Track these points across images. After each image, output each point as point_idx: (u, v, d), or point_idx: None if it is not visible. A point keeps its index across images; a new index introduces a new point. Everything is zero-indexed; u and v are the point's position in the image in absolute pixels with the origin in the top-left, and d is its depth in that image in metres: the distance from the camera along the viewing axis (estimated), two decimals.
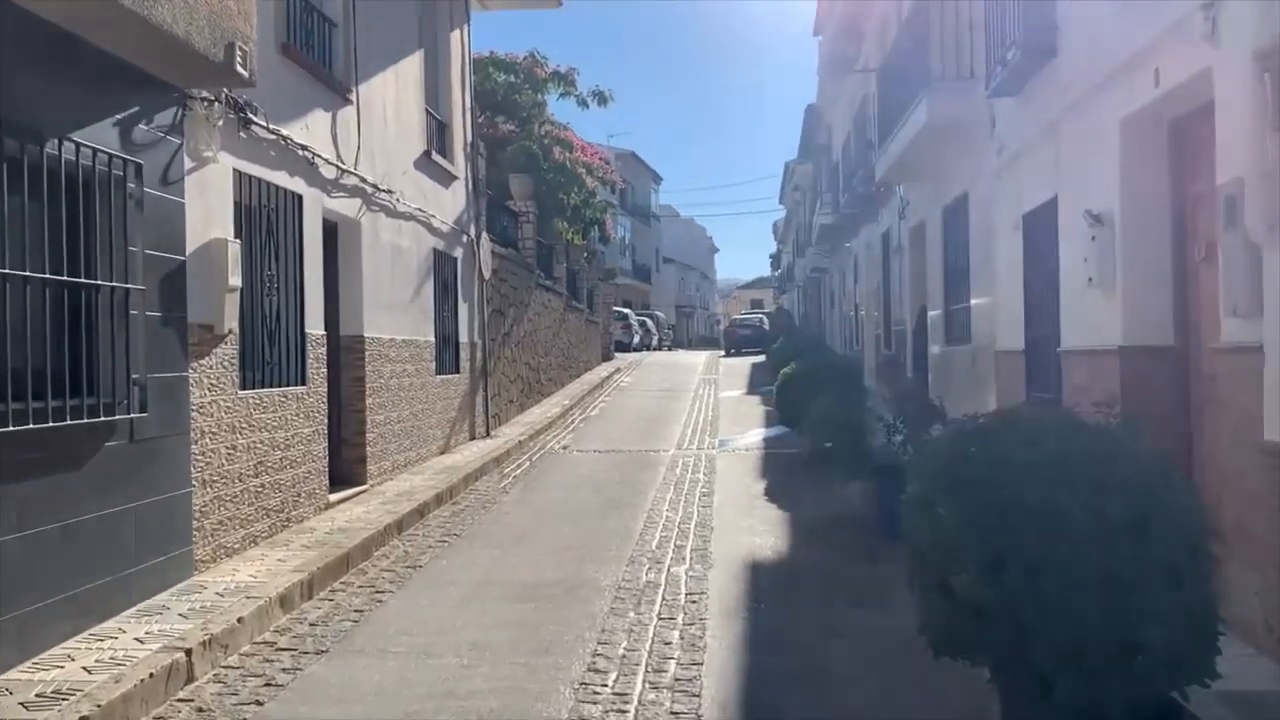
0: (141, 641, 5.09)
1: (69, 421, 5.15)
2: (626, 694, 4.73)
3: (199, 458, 6.54)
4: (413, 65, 11.57)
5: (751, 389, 22.22)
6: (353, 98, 9.49)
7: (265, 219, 7.74)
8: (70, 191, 5.23)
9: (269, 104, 7.51)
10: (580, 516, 9.15)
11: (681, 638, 5.56)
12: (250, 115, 7.25)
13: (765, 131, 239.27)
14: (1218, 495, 5.08)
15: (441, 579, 7.01)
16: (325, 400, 8.80)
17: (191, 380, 6.46)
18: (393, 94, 10.76)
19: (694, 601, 6.28)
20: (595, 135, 39.20)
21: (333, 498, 8.91)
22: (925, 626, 3.62)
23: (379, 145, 10.24)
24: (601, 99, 22.07)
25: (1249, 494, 4.72)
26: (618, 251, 44.30)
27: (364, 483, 9.76)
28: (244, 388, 7.26)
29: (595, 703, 4.62)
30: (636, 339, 38.00)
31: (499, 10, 16.24)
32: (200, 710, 4.65)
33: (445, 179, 12.83)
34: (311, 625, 5.92)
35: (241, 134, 7.22)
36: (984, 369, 10.23)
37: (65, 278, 5.18)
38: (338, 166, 9.09)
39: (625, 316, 37.83)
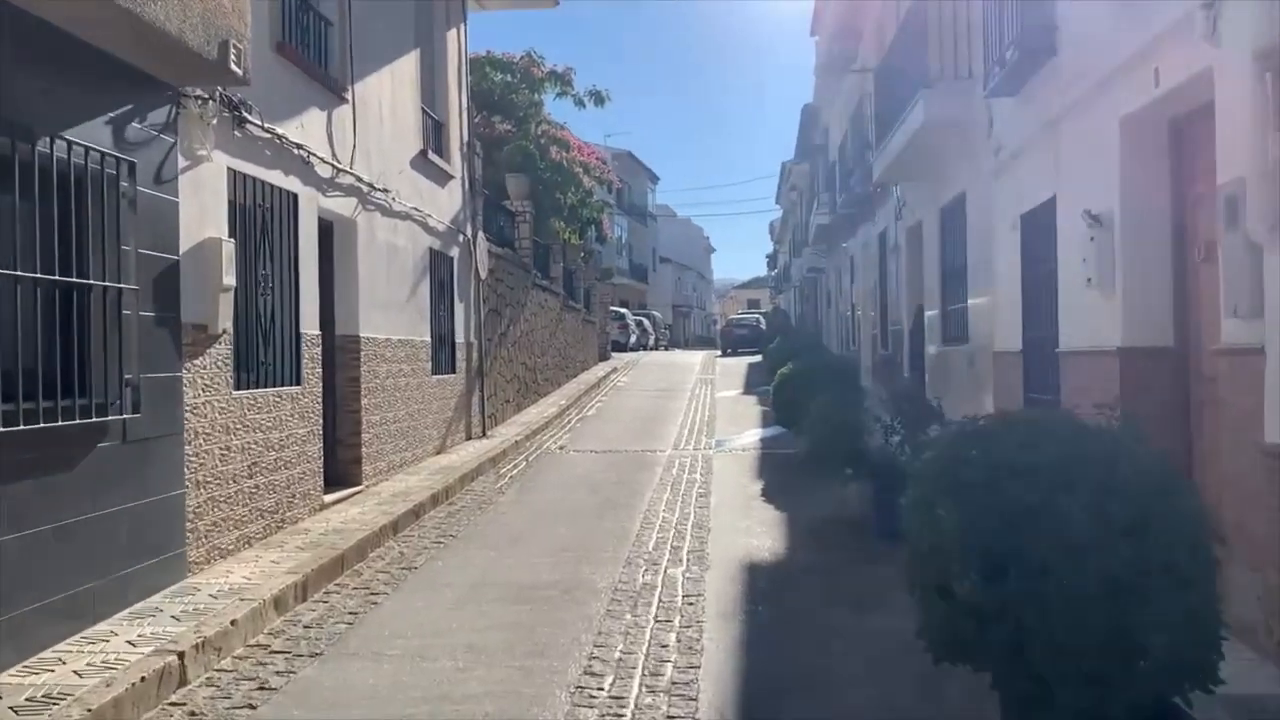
0: (134, 644, 5.05)
1: (61, 422, 5.10)
2: (623, 698, 4.69)
3: (192, 458, 6.49)
4: (409, 64, 11.52)
5: (748, 389, 22.19)
6: (348, 96, 9.44)
7: (260, 218, 7.69)
8: (63, 190, 5.18)
9: (264, 102, 7.47)
10: (577, 517, 9.11)
11: (678, 640, 5.52)
12: (245, 114, 7.21)
13: (762, 132, 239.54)
14: (1217, 497, 5.06)
15: (437, 581, 6.97)
16: (320, 400, 8.76)
17: (185, 380, 6.42)
18: (389, 93, 10.71)
19: (691, 604, 6.24)
20: (592, 135, 39.21)
21: (328, 498, 8.87)
22: (925, 630, 3.59)
23: (375, 144, 10.19)
24: (598, 99, 22.01)
25: (1250, 496, 4.69)
26: (614, 251, 44.25)
27: (359, 483, 9.72)
28: (238, 388, 7.22)
29: (591, 707, 4.58)
30: (633, 339, 37.96)
31: (496, 10, 16.18)
32: (192, 714, 4.61)
33: (441, 178, 12.78)
34: (306, 628, 5.88)
35: (236, 132, 7.18)
36: (982, 369, 10.21)
37: (57, 277, 5.14)
38: (333, 165, 9.05)
39: (622, 316, 37.77)
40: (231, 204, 7.14)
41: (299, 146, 8.24)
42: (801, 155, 34.24)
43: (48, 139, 5.04)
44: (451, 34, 13.59)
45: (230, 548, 6.97)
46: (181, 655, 4.93)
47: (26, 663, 4.76)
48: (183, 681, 4.89)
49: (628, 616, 5.97)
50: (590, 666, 5.10)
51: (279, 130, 7.84)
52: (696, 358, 33.18)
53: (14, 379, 4.77)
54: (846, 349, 24.61)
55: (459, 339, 13.47)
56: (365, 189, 9.89)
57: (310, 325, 8.54)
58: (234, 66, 6.12)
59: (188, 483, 6.42)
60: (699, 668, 5.08)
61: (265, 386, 7.69)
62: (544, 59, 21.27)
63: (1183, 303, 6.14)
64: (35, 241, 4.96)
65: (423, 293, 11.90)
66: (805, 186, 34.72)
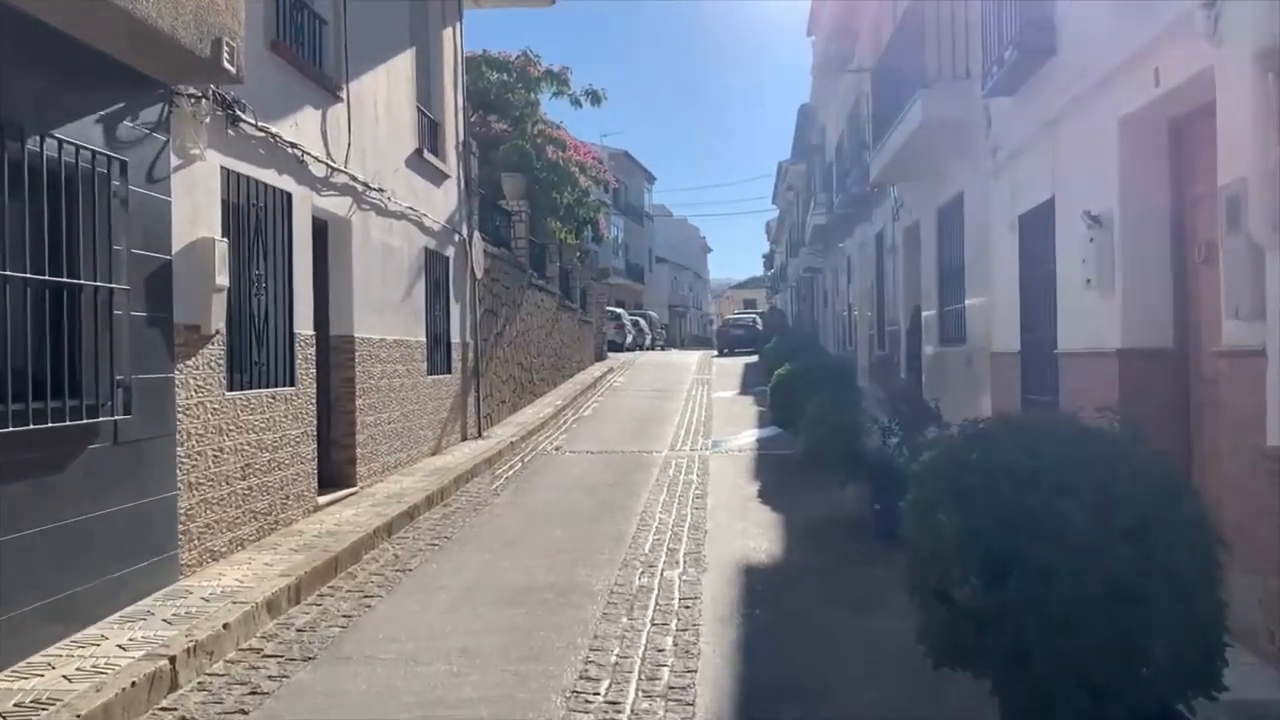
0: (124, 648, 4.99)
1: (51, 424, 5.04)
2: (619, 703, 4.64)
3: (185, 460, 6.44)
4: (404, 63, 11.47)
5: (744, 389, 22.16)
6: (343, 95, 9.39)
7: (253, 217, 7.63)
8: (53, 189, 5.12)
9: (258, 101, 7.41)
10: (572, 519, 9.06)
11: (675, 644, 5.47)
12: (239, 112, 7.15)
13: (758, 132, 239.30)
14: (1217, 499, 5.01)
15: (431, 583, 6.91)
16: (314, 401, 8.70)
17: (177, 381, 6.36)
18: (384, 92, 10.66)
19: (687, 607, 6.20)
20: (588, 134, 39.29)
21: (322, 500, 8.81)
22: (924, 635, 3.55)
23: (370, 143, 10.14)
24: (595, 98, 21.98)
25: (1251, 499, 4.66)
26: (611, 251, 44.21)
27: (354, 485, 9.66)
28: (231, 389, 7.16)
29: (587, 712, 4.53)
30: (629, 339, 37.93)
31: (491, 9, 16.12)
32: (183, 719, 4.56)
33: (437, 178, 12.73)
34: (299, 631, 5.83)
35: (230, 131, 7.12)
36: (979, 370, 10.18)
37: (47, 277, 5.08)
38: (328, 165, 8.99)
39: (618, 316, 37.76)
40: (225, 203, 7.09)
41: (293, 145, 8.18)
42: (798, 155, 34.21)
43: (38, 137, 4.99)
44: (447, 32, 13.54)
45: (223, 550, 6.92)
46: (173, 659, 4.87)
47: (15, 667, 4.71)
48: (174, 686, 4.83)
49: (624, 620, 5.93)
50: (586, 671, 5.05)
51: (273, 129, 7.79)
52: (693, 358, 33.15)
53: (3, 380, 4.71)
54: (843, 349, 24.58)
55: (454, 339, 13.42)
56: (360, 188, 9.84)
57: (304, 325, 8.49)
58: (227, 64, 6.07)
59: (180, 484, 6.36)
60: (696, 672, 5.04)
61: (259, 387, 7.64)
62: (540, 58, 21.28)
63: (1182, 304, 6.11)
64: (25, 241, 4.91)
65: (418, 293, 11.85)
66: (802, 186, 34.70)
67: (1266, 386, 4.45)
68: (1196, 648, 3.24)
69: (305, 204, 8.56)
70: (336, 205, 9.32)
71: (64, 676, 4.61)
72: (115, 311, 5.60)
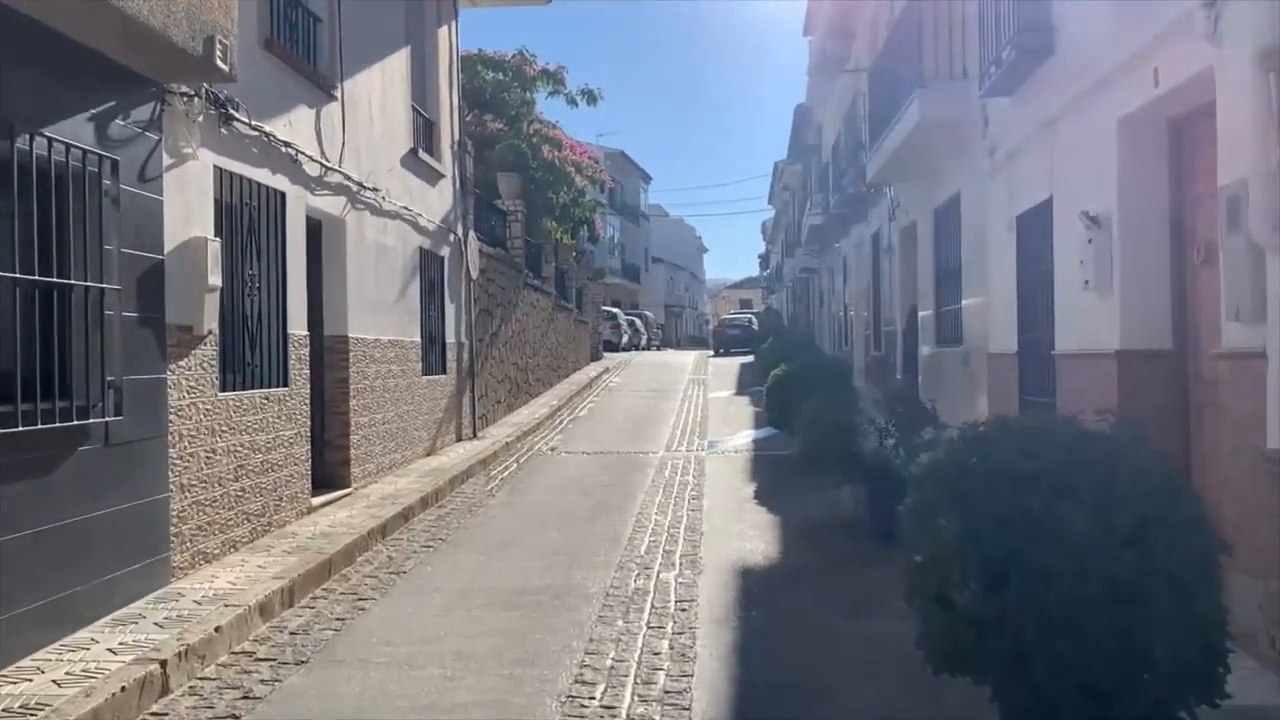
0: (114, 652, 4.94)
1: (41, 425, 4.98)
2: (614, 707, 4.60)
3: (177, 461, 6.39)
4: (399, 62, 11.42)
5: (740, 389, 22.13)
6: (338, 94, 9.34)
7: (247, 217, 7.58)
8: (43, 188, 5.06)
9: (251, 100, 7.36)
10: (568, 520, 9.02)
11: (671, 647, 5.43)
12: (232, 111, 7.10)
13: (755, 132, 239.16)
14: (1217, 502, 4.98)
15: (425, 586, 6.86)
16: (308, 402, 8.65)
17: (169, 382, 6.31)
18: (379, 91, 10.61)
19: (683, 609, 6.15)
20: (584, 134, 39.25)
21: (315, 501, 8.76)
22: (924, 640, 3.51)
23: (364, 142, 10.09)
24: (590, 98, 21.93)
25: (1250, 502, 4.63)
26: (606, 251, 44.15)
27: (348, 486, 9.61)
28: (224, 389, 7.11)
29: (582, 717, 4.49)
30: (625, 339, 37.88)
31: (487, 8, 16.07)
32: None
33: (432, 177, 12.68)
34: (291, 634, 5.78)
35: (222, 130, 7.07)
36: (976, 371, 10.15)
37: (37, 277, 5.02)
38: (322, 164, 8.94)
39: (614, 316, 37.73)
40: (218, 202, 7.04)
41: (287, 144, 8.13)
42: (794, 155, 34.18)
43: (28, 136, 4.93)
44: (442, 31, 13.48)
45: (215, 552, 6.86)
46: (164, 663, 4.82)
47: (4, 672, 4.65)
48: (165, 691, 4.78)
49: (620, 623, 5.88)
50: (581, 675, 5.01)
51: (267, 128, 7.74)
52: (689, 358, 33.12)
53: None
54: (839, 349, 24.57)
55: (450, 339, 13.37)
56: (354, 188, 9.78)
57: (298, 326, 8.43)
58: (220, 63, 6.02)
59: (172, 486, 6.31)
60: (692, 676, 5.00)
61: (252, 388, 7.58)
62: (536, 57, 21.20)
63: (1181, 305, 6.08)
64: (14, 241, 4.85)
65: (413, 293, 11.80)
66: (798, 186, 34.69)
67: (1267, 388, 4.42)
68: (1197, 652, 3.21)
69: (299, 203, 8.50)
70: (331, 205, 9.27)
71: (53, 681, 4.55)
72: (106, 312, 5.54)
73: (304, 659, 5.35)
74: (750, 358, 29.69)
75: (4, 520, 4.73)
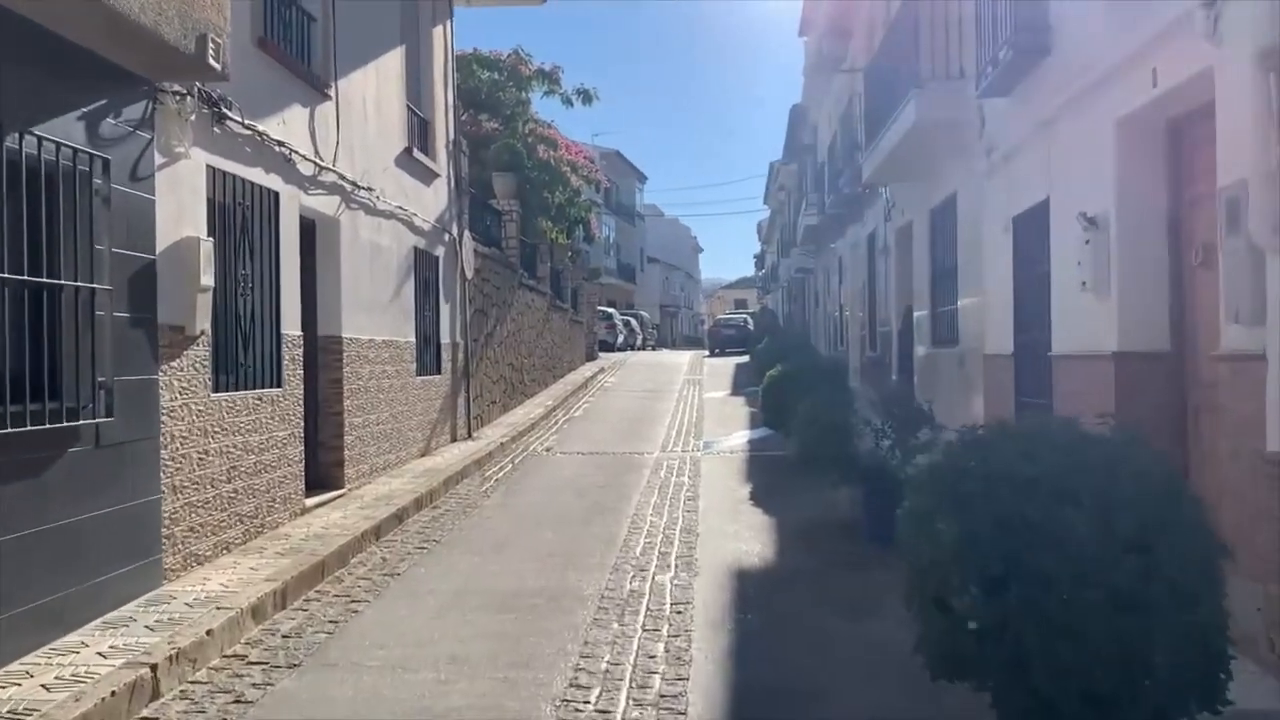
0: (105, 656, 4.89)
1: (30, 427, 4.94)
2: (609, 711, 4.56)
3: (169, 463, 6.33)
4: (394, 61, 11.37)
5: (736, 390, 22.10)
6: (332, 93, 9.28)
7: (240, 216, 7.53)
8: (33, 187, 5.02)
9: (245, 98, 7.31)
10: (563, 521, 8.98)
11: (666, 650, 5.40)
12: (225, 110, 7.05)
13: (750, 132, 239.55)
14: (1215, 504, 4.94)
15: (419, 588, 6.82)
16: (301, 403, 8.60)
17: (161, 383, 6.26)
18: (373, 90, 10.55)
19: (679, 612, 6.12)
20: (579, 134, 39.16)
21: (309, 502, 8.70)
22: (923, 645, 3.48)
23: (359, 142, 10.04)
24: (586, 97, 21.90)
25: (1249, 505, 4.60)
26: (602, 251, 44.13)
27: (341, 487, 9.56)
28: (217, 390, 7.05)
29: None
30: (621, 339, 37.85)
31: (482, 7, 16.02)
32: None
33: (427, 176, 12.63)
34: (284, 637, 5.73)
35: (215, 129, 7.02)
36: (972, 372, 10.12)
37: (27, 277, 4.97)
38: (316, 163, 8.89)
39: (609, 316, 37.69)
40: (210, 202, 6.98)
41: (280, 144, 8.08)
42: (790, 156, 34.16)
43: (17, 134, 4.88)
44: (437, 30, 13.43)
45: (208, 554, 6.81)
46: (154, 667, 4.77)
47: None
48: (155, 695, 4.73)
49: (615, 625, 5.85)
50: (576, 679, 4.97)
51: (260, 127, 7.69)
52: (684, 358, 33.09)
53: None
54: (834, 349, 24.55)
55: (444, 339, 13.32)
56: (349, 187, 9.73)
57: (291, 326, 8.38)
58: (212, 61, 5.97)
59: (164, 487, 6.26)
60: (687, 679, 4.96)
61: (245, 389, 7.53)
62: (531, 57, 21.17)
63: (1179, 306, 6.06)
64: (4, 240, 4.80)
65: (407, 293, 11.75)
66: (793, 187, 34.66)
67: (1267, 391, 4.39)
68: (1199, 658, 3.18)
69: (293, 203, 8.45)
70: (324, 204, 9.22)
71: (42, 685, 4.50)
72: (97, 312, 5.50)
73: (296, 662, 5.30)
74: (745, 358, 29.67)
75: None
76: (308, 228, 9.06)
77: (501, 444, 13.43)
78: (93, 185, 5.49)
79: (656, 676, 5.00)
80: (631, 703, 4.66)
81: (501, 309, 17.14)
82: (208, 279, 6.63)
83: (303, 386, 8.65)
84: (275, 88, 8.13)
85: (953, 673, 3.39)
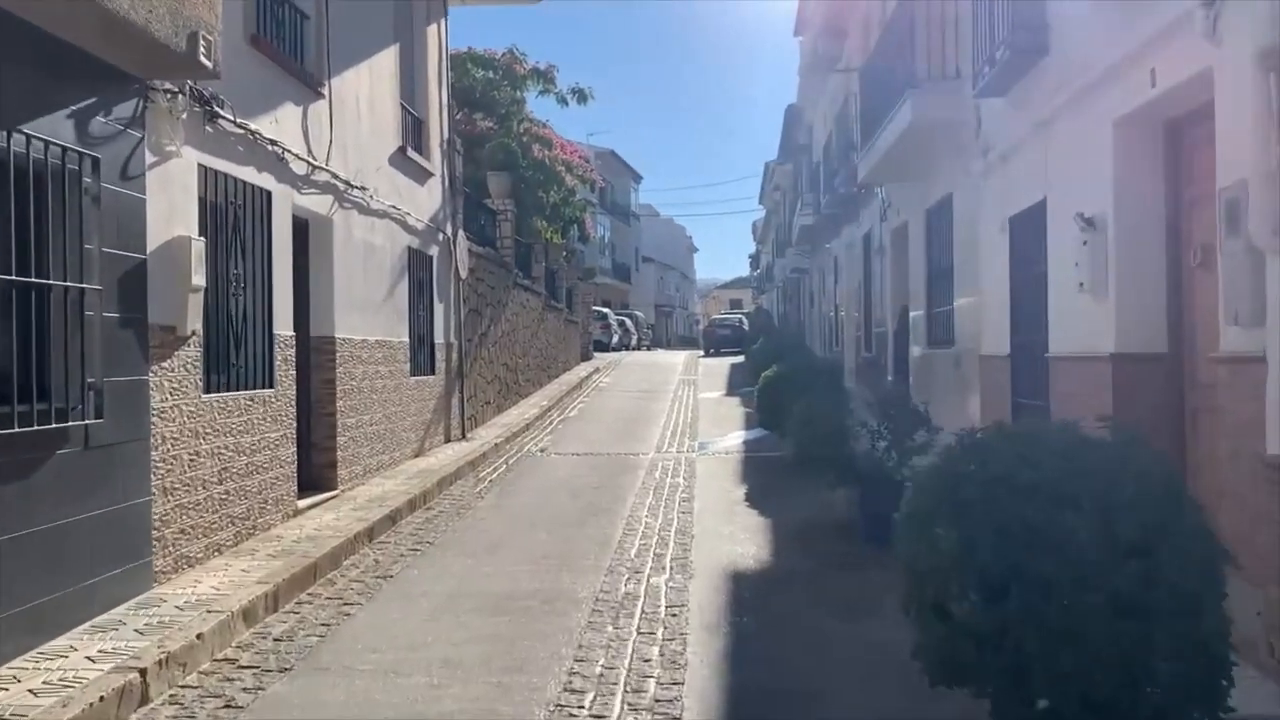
0: (93, 660, 4.84)
1: (18, 428, 4.88)
2: (604, 716, 4.52)
3: (159, 464, 6.27)
4: (388, 59, 11.31)
5: (731, 390, 22.07)
6: (325, 92, 9.22)
7: (232, 216, 7.47)
8: (21, 186, 4.96)
9: (237, 97, 7.25)
10: (557, 523, 8.93)
11: (661, 654, 5.35)
12: (216, 108, 6.99)
13: (745, 131, 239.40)
14: (1214, 508, 4.92)
15: (412, 590, 6.77)
16: (294, 403, 8.54)
17: (152, 384, 6.20)
18: (367, 89, 10.50)
19: (674, 615, 6.07)
20: (574, 133, 38.97)
21: (301, 504, 8.64)
22: (921, 652, 3.44)
23: (352, 141, 9.98)
24: (581, 96, 21.85)
25: (1250, 508, 4.57)
26: (597, 251, 44.06)
27: (334, 488, 9.50)
28: (208, 391, 7.00)
29: None
30: (615, 339, 37.81)
31: (477, 6, 15.97)
32: None
33: (421, 176, 12.57)
34: (275, 641, 5.67)
35: (207, 127, 6.96)
36: (968, 373, 10.09)
37: (15, 277, 4.91)
38: (309, 162, 8.83)
39: (604, 316, 37.61)
40: (202, 201, 6.92)
41: (273, 142, 8.01)
42: (785, 155, 34.15)
43: (5, 133, 4.82)
44: (432, 29, 13.38)
45: (199, 556, 6.75)
46: (143, 672, 4.71)
47: None
48: (144, 700, 4.68)
49: (609, 629, 5.80)
50: (570, 683, 4.92)
51: (252, 126, 7.63)
52: (679, 358, 33.05)
53: None
54: (829, 350, 24.53)
55: (438, 339, 13.26)
56: (342, 186, 9.68)
57: (284, 326, 8.32)
58: (204, 59, 5.91)
59: (154, 489, 6.20)
60: (683, 684, 4.91)
61: (236, 389, 7.47)
62: (526, 56, 21.11)
63: (1177, 308, 6.03)
64: None
65: (401, 293, 11.69)
66: (789, 187, 34.64)
67: (1267, 393, 4.36)
68: (1200, 664, 3.15)
69: (285, 202, 8.39)
70: (317, 203, 9.16)
71: (29, 690, 4.45)
72: (87, 312, 5.44)
73: (288, 666, 5.25)
74: (741, 358, 29.65)
75: None
76: (301, 227, 9.00)
77: (496, 445, 13.38)
78: (82, 184, 5.43)
79: (651, 680, 4.95)
80: (626, 707, 4.62)
81: (496, 309, 17.09)
82: (199, 279, 6.58)
83: (295, 387, 8.59)
84: (268, 86, 8.07)
85: (952, 679, 3.35)
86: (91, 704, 4.32)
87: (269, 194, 8.03)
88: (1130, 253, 6.16)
